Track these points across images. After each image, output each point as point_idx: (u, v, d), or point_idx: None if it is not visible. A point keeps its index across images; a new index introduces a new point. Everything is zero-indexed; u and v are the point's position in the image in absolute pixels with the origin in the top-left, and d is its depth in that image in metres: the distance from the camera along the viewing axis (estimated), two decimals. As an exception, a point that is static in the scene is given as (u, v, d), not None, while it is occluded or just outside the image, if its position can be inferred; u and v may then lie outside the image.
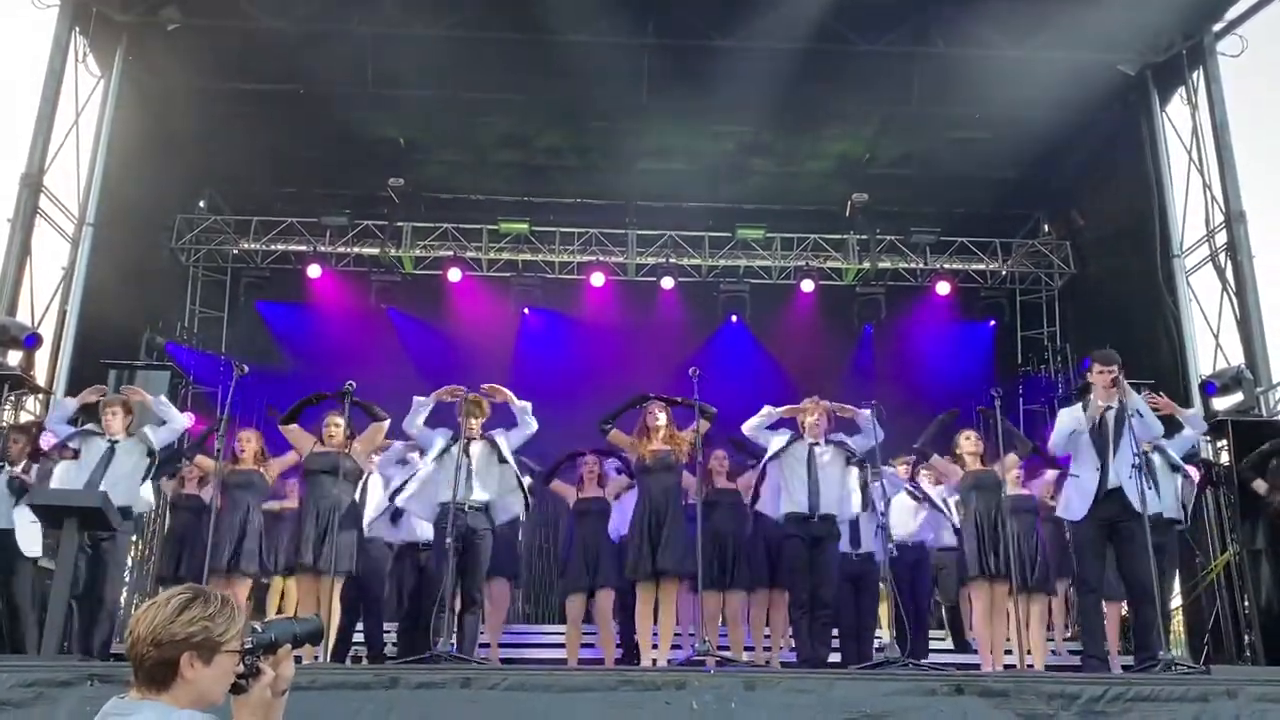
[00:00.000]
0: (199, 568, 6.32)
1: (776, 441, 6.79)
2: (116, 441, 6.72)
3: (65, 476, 6.71)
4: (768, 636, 7.58)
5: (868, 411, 6.66)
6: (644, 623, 6.56)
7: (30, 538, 6.67)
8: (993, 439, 7.17)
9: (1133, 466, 5.79)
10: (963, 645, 8.66)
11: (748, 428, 6.94)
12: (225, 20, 10.45)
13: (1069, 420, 6.20)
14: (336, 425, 6.70)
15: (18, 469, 7.04)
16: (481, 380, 6.85)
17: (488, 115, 12.05)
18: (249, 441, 7.23)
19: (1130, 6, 10.25)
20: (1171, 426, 7.18)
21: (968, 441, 7.12)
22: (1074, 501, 6.08)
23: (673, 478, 6.67)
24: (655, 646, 6.61)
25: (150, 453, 6.76)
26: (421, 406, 6.61)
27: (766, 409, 6.91)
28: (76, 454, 6.77)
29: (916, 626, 7.37)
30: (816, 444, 6.74)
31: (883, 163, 12.75)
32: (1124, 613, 7.72)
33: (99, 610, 6.59)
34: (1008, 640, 6.77)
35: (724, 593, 7.14)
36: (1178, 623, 9.65)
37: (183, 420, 7.13)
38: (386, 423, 6.88)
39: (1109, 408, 6.03)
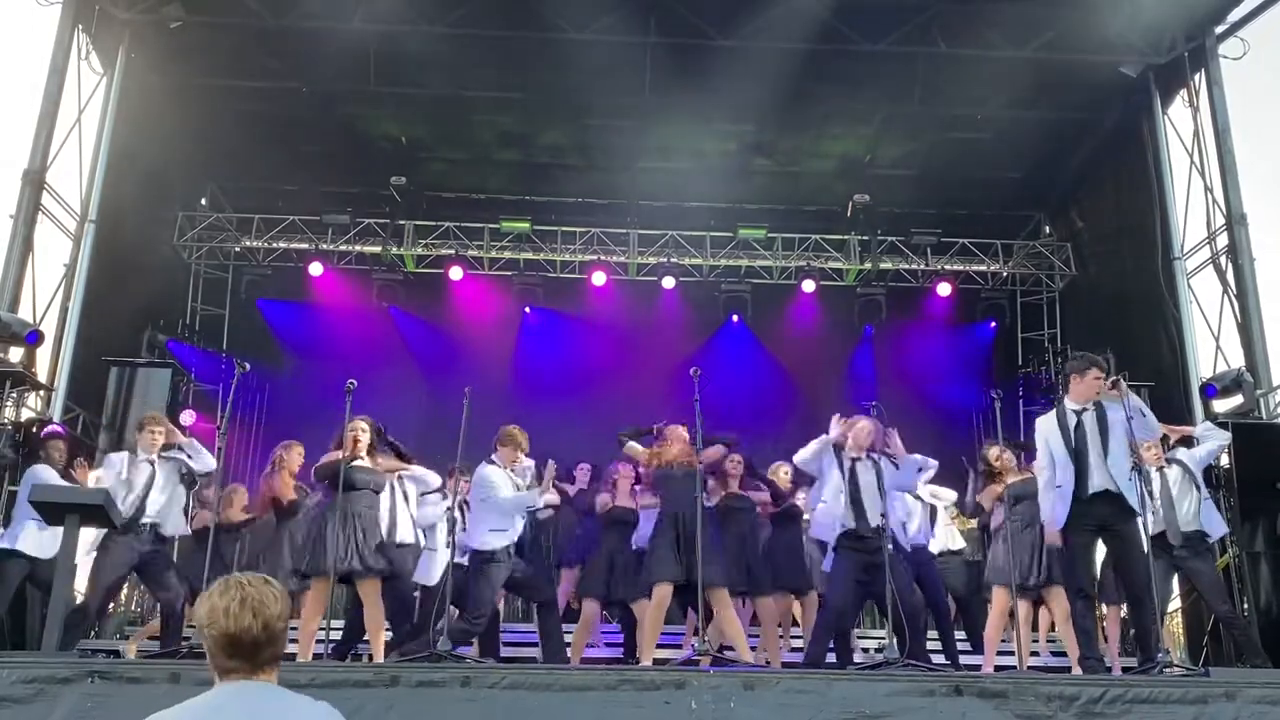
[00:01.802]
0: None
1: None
2: (154, 460, 6.73)
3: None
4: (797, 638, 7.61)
5: (915, 457, 6.63)
6: (657, 627, 6.53)
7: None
8: (992, 438, 7.21)
9: (1132, 469, 5.73)
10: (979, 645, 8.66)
11: (801, 459, 6.82)
12: (227, 18, 10.46)
13: (1045, 434, 5.95)
14: (364, 430, 6.55)
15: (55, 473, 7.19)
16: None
17: (490, 114, 12.06)
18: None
19: (1132, 8, 10.26)
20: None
21: (998, 460, 7.11)
22: (1057, 509, 5.81)
23: (694, 485, 6.58)
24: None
25: (186, 477, 6.81)
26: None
27: (820, 440, 6.74)
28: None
29: (942, 626, 7.42)
30: (858, 459, 6.60)
31: (884, 163, 12.76)
32: (1123, 615, 7.74)
33: (169, 612, 6.81)
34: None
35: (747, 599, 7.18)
36: (1176, 625, 9.66)
37: (211, 463, 6.93)
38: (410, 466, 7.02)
39: (1084, 410, 5.86)
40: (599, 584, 7.18)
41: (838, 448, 6.68)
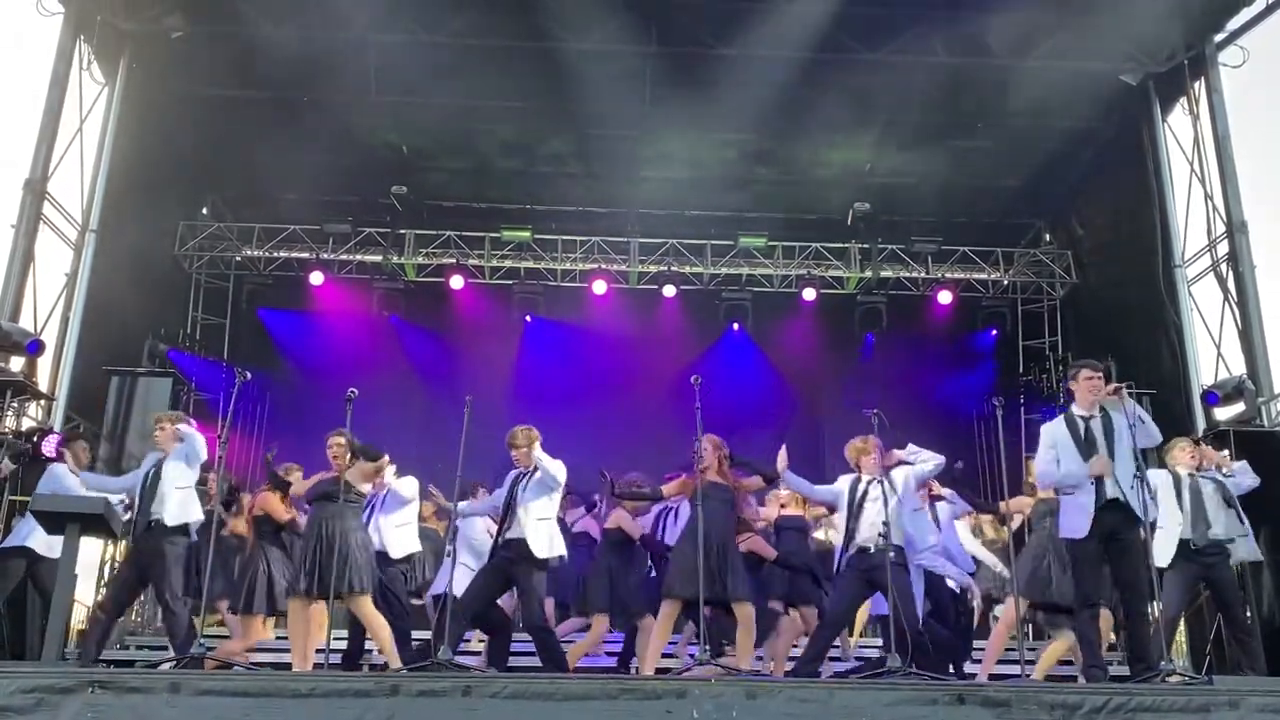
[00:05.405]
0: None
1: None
2: (163, 457, 6.70)
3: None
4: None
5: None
6: (662, 639, 6.48)
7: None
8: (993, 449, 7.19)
9: (1134, 477, 5.69)
10: None
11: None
12: (229, 28, 10.50)
13: (1054, 440, 5.92)
14: (340, 445, 6.54)
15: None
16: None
17: (490, 123, 12.10)
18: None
19: (1132, 17, 10.27)
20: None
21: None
22: (1076, 519, 5.76)
23: (727, 507, 6.50)
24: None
25: (191, 458, 6.75)
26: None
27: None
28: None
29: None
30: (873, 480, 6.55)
31: (884, 171, 12.78)
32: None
33: (168, 614, 6.70)
34: None
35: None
36: (1179, 632, 9.62)
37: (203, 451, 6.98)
38: (383, 460, 6.86)
39: (1091, 417, 5.85)
40: (603, 599, 7.17)
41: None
